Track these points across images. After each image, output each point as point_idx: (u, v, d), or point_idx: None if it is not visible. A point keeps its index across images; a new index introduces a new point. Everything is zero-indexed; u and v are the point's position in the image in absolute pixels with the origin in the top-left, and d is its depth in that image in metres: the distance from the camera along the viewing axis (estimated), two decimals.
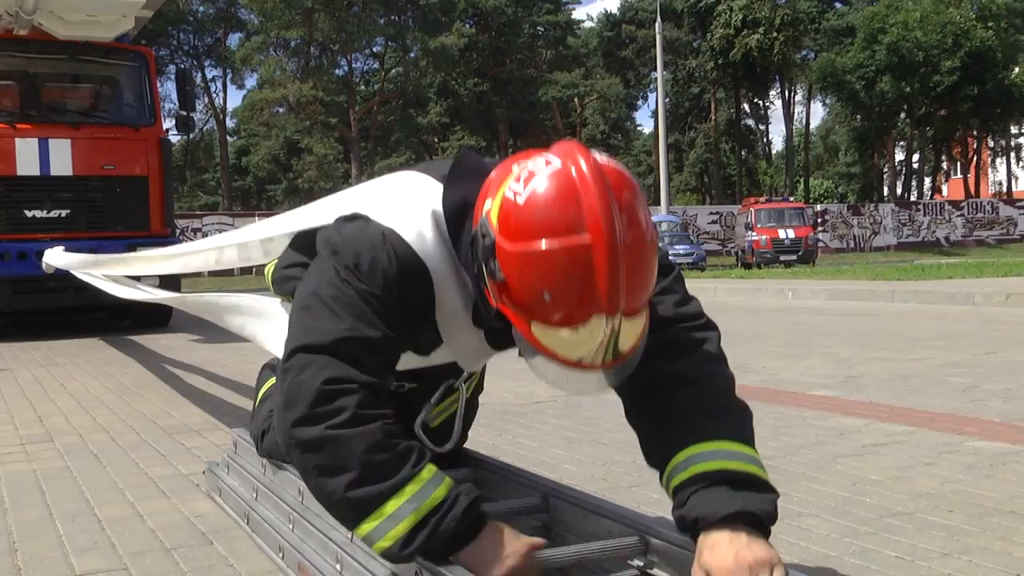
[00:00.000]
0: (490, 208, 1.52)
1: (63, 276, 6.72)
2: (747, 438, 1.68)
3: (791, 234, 32.15)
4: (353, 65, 51.99)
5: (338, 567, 1.91)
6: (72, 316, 11.25)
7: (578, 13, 62.04)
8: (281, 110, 49.30)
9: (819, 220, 43.39)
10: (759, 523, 1.57)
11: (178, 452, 3.76)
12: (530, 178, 1.46)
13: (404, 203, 1.76)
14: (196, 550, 2.47)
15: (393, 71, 52.70)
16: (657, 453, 1.71)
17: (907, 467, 3.10)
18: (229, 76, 54.97)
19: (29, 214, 9.50)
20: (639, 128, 72.92)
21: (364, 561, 1.80)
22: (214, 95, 55.32)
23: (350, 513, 1.59)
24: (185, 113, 11.40)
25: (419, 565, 1.59)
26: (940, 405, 4.24)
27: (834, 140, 74.48)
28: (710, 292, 14.30)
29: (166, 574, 2.29)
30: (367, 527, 1.56)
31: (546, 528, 2.07)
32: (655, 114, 43.70)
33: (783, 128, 58.65)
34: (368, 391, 1.59)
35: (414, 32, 48.07)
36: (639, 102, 66.16)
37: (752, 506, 1.56)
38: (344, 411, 1.55)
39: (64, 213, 9.63)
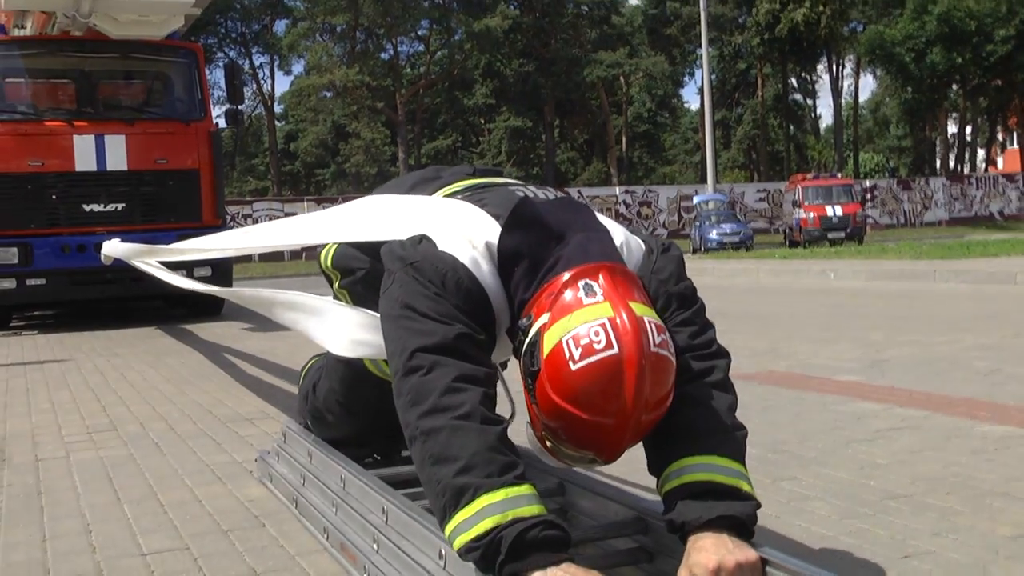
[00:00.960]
0: (543, 327, 1.73)
1: (120, 267, 7.02)
2: (738, 455, 1.88)
3: (839, 211, 31.89)
4: (399, 48, 52.29)
5: (375, 546, 2.13)
6: (129, 305, 11.65)
7: None
8: (328, 95, 49.74)
9: (868, 196, 43.00)
10: (742, 527, 1.76)
11: (232, 440, 4.03)
12: (589, 353, 1.65)
13: (463, 234, 1.95)
14: (249, 532, 2.71)
15: (439, 53, 52.89)
16: (656, 462, 1.91)
17: (915, 451, 3.27)
18: (276, 63, 55.60)
19: (87, 208, 9.88)
20: (686, 105, 72.50)
21: (397, 541, 2.02)
22: (262, 81, 55.97)
23: (451, 501, 1.69)
24: (234, 107, 11.72)
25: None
26: (959, 389, 4.38)
27: (884, 113, 73.43)
28: (752, 274, 14.41)
29: (223, 553, 2.53)
30: (459, 518, 1.67)
31: (562, 510, 2.28)
32: (701, 91, 43.60)
33: (832, 102, 57.70)
34: (487, 388, 1.80)
35: (458, 15, 48.20)
36: (685, 79, 65.48)
37: (734, 511, 1.76)
38: (466, 405, 1.74)
39: (120, 206, 10.00)
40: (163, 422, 4.53)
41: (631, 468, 3.06)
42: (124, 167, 9.97)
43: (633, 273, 1.86)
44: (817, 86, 65.32)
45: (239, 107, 11.75)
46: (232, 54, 53.74)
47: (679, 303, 1.99)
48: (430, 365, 1.78)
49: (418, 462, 1.78)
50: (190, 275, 6.99)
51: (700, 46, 38.01)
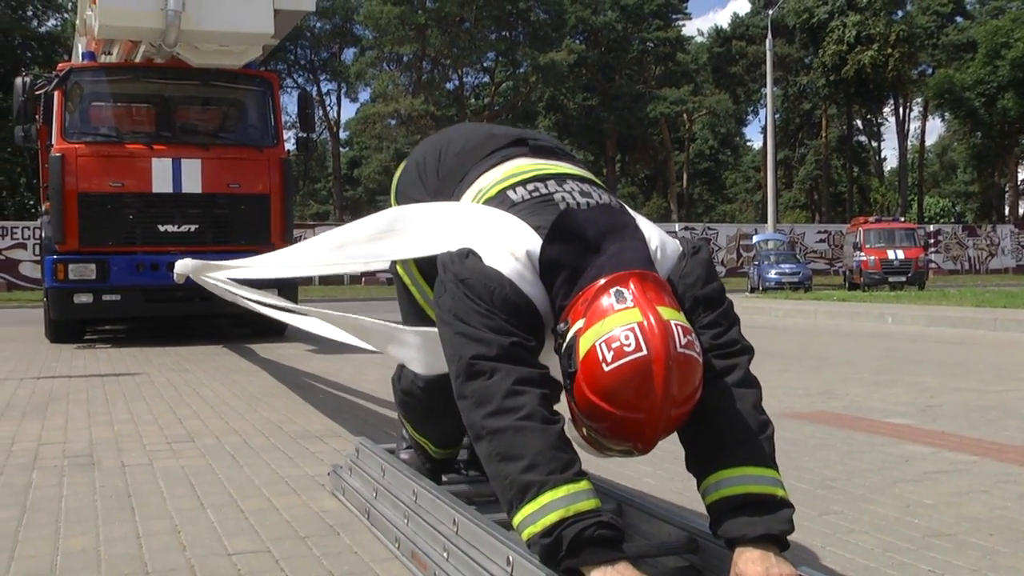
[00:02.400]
0: (579, 332, 1.91)
1: (191, 286, 7.30)
2: (767, 460, 2.05)
3: (900, 255, 31.55)
4: (464, 79, 52.99)
5: (445, 555, 2.31)
6: (196, 322, 12.00)
7: (688, 28, 62.02)
8: (393, 123, 50.50)
9: (932, 241, 42.50)
10: (781, 541, 1.95)
11: (303, 455, 4.24)
12: (620, 356, 1.83)
13: (507, 247, 2.12)
14: (325, 539, 2.91)
15: (504, 85, 53.49)
16: (694, 467, 2.10)
17: (961, 493, 3.37)
18: (343, 90, 56.68)
19: (162, 228, 10.25)
20: (749, 143, 72.32)
21: (466, 549, 2.20)
22: (328, 108, 57.00)
23: (517, 495, 1.87)
24: (306, 135, 12.08)
25: (554, 568, 1.83)
26: (1011, 437, 4.45)
27: (951, 158, 72.61)
28: (809, 315, 14.40)
29: (302, 557, 2.73)
30: (525, 511, 1.85)
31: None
32: (764, 131, 43.51)
33: (897, 145, 57.24)
34: (545, 387, 1.99)
35: (524, 48, 48.79)
36: (749, 117, 65.49)
37: (774, 528, 1.95)
38: (527, 407, 1.93)
39: (193, 228, 10.36)
40: (237, 436, 4.77)
41: (683, 486, 3.22)
42: (198, 190, 10.33)
43: (662, 279, 2.02)
44: (883, 128, 64.73)
45: (310, 135, 12.10)
46: (301, 80, 54.94)
47: (706, 306, 2.14)
48: (491, 370, 1.98)
49: (484, 458, 1.97)
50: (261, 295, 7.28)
51: (764, 85, 38.02)
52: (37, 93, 10.58)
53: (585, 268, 2.01)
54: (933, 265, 41.28)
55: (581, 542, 1.81)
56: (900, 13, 53.21)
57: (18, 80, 10.73)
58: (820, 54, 51.92)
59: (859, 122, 60.62)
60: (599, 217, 2.15)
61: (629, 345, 1.82)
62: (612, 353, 1.83)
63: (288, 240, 11.02)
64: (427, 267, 2.56)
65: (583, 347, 1.88)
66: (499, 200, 2.29)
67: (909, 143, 62.81)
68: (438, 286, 2.19)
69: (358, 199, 64.37)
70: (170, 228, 10.31)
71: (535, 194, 2.26)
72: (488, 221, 2.24)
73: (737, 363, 2.13)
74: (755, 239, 36.25)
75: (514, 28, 49.91)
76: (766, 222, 36.40)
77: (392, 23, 45.70)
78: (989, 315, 11.83)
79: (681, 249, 2.22)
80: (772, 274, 30.72)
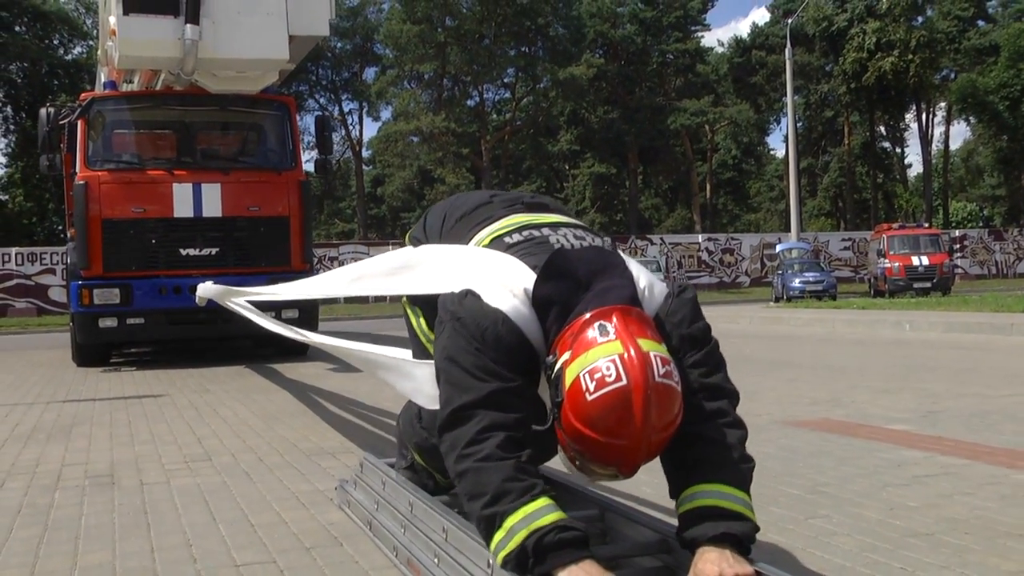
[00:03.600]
0: (565, 363, 2.03)
1: (213, 308, 7.46)
2: (743, 485, 2.20)
3: (925, 261, 31.44)
4: (485, 96, 53.31)
5: (435, 560, 2.45)
6: (220, 344, 12.21)
7: (708, 39, 62.00)
8: (415, 140, 50.86)
9: (958, 246, 42.27)
10: (741, 544, 2.08)
11: (315, 471, 4.38)
12: (601, 386, 1.95)
13: (505, 284, 2.27)
14: (329, 550, 3.05)
15: (524, 100, 53.76)
16: (674, 489, 2.24)
17: (946, 495, 3.47)
18: (365, 109, 57.11)
19: (183, 252, 10.46)
20: (772, 152, 72.13)
21: (454, 555, 2.34)
22: (351, 127, 57.51)
23: (486, 529, 2.08)
24: (323, 156, 12.28)
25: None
26: (1006, 441, 4.53)
27: (977, 162, 72.11)
28: (828, 324, 14.44)
29: (306, 567, 2.87)
30: (495, 539, 2.05)
31: (602, 533, 2.57)
32: (786, 139, 43.40)
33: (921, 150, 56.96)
34: (512, 431, 2.13)
35: (544, 63, 49.01)
36: (771, 126, 65.34)
37: (735, 530, 2.08)
38: (486, 448, 2.10)
39: (214, 251, 10.56)
40: (253, 454, 4.92)
41: (659, 493, 3.34)
42: (219, 214, 10.54)
43: (646, 314, 2.16)
44: (907, 134, 64.46)
45: (327, 157, 12.31)
46: (323, 100, 55.46)
47: (691, 344, 2.29)
48: (467, 418, 2.15)
49: (461, 499, 2.18)
50: (278, 316, 7.46)
51: (785, 94, 37.99)
52: (61, 123, 10.85)
53: (575, 304, 2.14)
54: (959, 270, 41.06)
55: (544, 548, 1.97)
56: (920, 19, 53.01)
57: (43, 111, 11.01)
58: (840, 62, 51.79)
59: (882, 128, 60.34)
60: (590, 257, 2.30)
61: (610, 375, 1.95)
62: (595, 383, 1.96)
63: (308, 260, 11.23)
64: (428, 309, 2.74)
65: (568, 377, 2.01)
66: (495, 245, 2.47)
67: (934, 148, 62.57)
68: (437, 325, 2.37)
69: (382, 217, 64.91)
70: (192, 252, 10.51)
71: (530, 238, 2.44)
72: (488, 261, 2.41)
73: (723, 407, 2.28)
74: (779, 248, 36.18)
75: (533, 44, 50.16)
76: (789, 231, 36.33)
77: (412, 42, 46.06)
78: (1007, 320, 11.84)
79: (668, 290, 2.36)
80: (796, 283, 30.67)
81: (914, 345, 10.54)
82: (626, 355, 1.96)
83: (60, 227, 43.22)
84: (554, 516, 2.03)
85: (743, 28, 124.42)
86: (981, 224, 64.77)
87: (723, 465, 2.19)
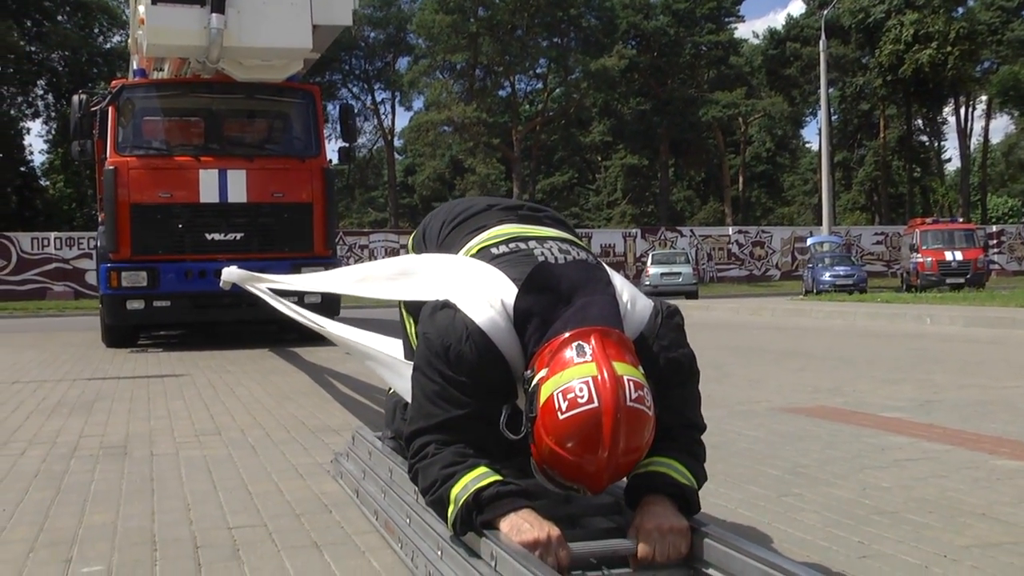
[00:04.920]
0: (541, 380, 2.11)
1: (237, 292, 7.65)
2: (695, 477, 2.33)
3: (959, 256, 31.18)
4: (516, 86, 53.40)
5: (408, 520, 2.60)
6: (244, 328, 12.44)
7: (743, 31, 61.71)
8: (447, 130, 51.07)
9: (995, 242, 41.87)
10: (684, 502, 2.23)
11: (317, 446, 4.55)
12: (573, 406, 2.02)
13: (484, 296, 2.35)
14: (318, 516, 3.21)
15: (556, 91, 53.78)
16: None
17: (921, 478, 3.57)
18: (397, 98, 57.39)
19: (209, 237, 10.69)
20: (807, 145, 71.65)
21: (423, 515, 2.48)
22: (383, 117, 57.80)
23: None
24: (347, 144, 12.47)
25: (473, 530, 2.19)
26: (995, 429, 4.61)
27: (1019, 156, 71.16)
28: (849, 317, 14.45)
29: (293, 530, 3.03)
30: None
31: (566, 499, 2.68)
32: (820, 134, 43.02)
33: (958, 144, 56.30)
34: (461, 446, 2.28)
35: (576, 54, 49.03)
36: (807, 119, 64.84)
37: (677, 488, 2.22)
38: (431, 455, 2.28)
39: (239, 236, 10.78)
40: (261, 430, 5.10)
41: None
42: (244, 200, 10.75)
43: (625, 336, 2.22)
44: (945, 128, 63.71)
45: (351, 145, 12.50)
46: (355, 90, 55.79)
47: (675, 369, 2.37)
48: (418, 439, 2.33)
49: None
50: (301, 301, 7.65)
51: (820, 87, 37.73)
52: (93, 109, 11.10)
53: (555, 319, 2.21)
54: (995, 266, 40.67)
55: (485, 501, 2.14)
56: (960, 10, 52.30)
57: (75, 97, 11.27)
58: (876, 54, 51.30)
59: (920, 121, 59.71)
60: (572, 272, 2.37)
61: (583, 397, 2.02)
62: (567, 403, 2.04)
63: (331, 246, 11.42)
64: (418, 316, 2.86)
65: (543, 394, 2.10)
66: (482, 256, 2.56)
67: (974, 141, 61.82)
68: (418, 335, 2.50)
69: (414, 206, 65.17)
70: (217, 236, 10.73)
71: (515, 251, 2.52)
72: (470, 272, 2.49)
73: (693, 437, 2.42)
74: (810, 241, 36.05)
75: (566, 35, 50.19)
76: (821, 224, 36.16)
77: (444, 32, 46.26)
78: None
79: (653, 305, 2.44)
80: (826, 277, 30.60)
81: (930, 338, 10.56)
82: (599, 377, 2.02)
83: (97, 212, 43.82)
84: (494, 476, 2.18)
85: (777, 20, 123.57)
86: (1022, 220, 63.97)
87: (679, 454, 2.32)
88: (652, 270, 32.12)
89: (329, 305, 10.41)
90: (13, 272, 31.65)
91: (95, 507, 3.40)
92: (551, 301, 2.25)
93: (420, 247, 3.06)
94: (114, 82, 11.41)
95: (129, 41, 13.46)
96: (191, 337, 12.98)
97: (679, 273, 31.74)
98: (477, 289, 2.38)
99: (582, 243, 2.68)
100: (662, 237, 39.93)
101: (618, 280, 2.45)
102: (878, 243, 42.74)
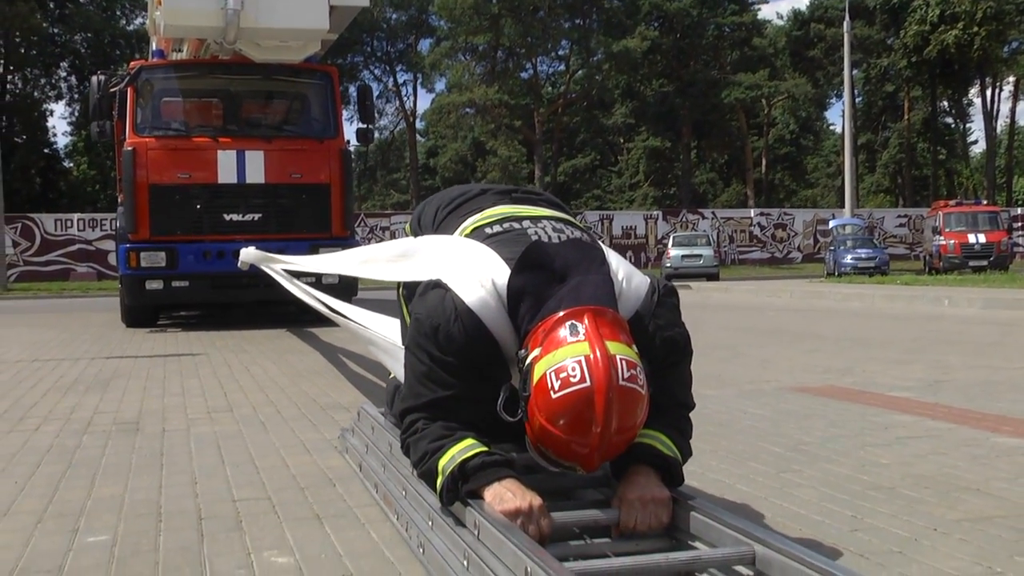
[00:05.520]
0: (535, 359, 2.11)
1: (255, 273, 7.69)
2: (680, 447, 2.38)
3: (982, 239, 30.96)
4: (538, 68, 53.26)
5: (403, 493, 2.65)
6: (263, 309, 12.53)
7: (766, 12, 61.16)
8: (469, 112, 51.02)
9: (1020, 224, 41.51)
10: (667, 474, 2.26)
11: (327, 423, 4.61)
12: (566, 386, 2.03)
13: (476, 276, 2.37)
14: (321, 489, 3.26)
15: (578, 73, 53.59)
16: None
17: (921, 455, 3.58)
18: (419, 80, 57.33)
19: (227, 217, 10.77)
20: (831, 127, 71.08)
21: (416, 487, 2.52)
22: (405, 99, 57.77)
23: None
24: (365, 126, 12.51)
25: (459, 499, 2.24)
26: (1001, 408, 4.61)
27: None
28: (868, 299, 14.40)
29: (296, 503, 3.09)
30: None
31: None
32: (843, 116, 42.54)
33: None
34: (450, 423, 2.33)
35: (598, 35, 48.81)
36: (832, 101, 64.25)
37: (660, 459, 2.26)
38: (420, 431, 2.34)
39: (257, 217, 10.85)
40: (273, 407, 5.17)
41: None
42: (262, 180, 10.82)
43: (619, 315, 2.22)
44: (971, 109, 63.01)
45: (369, 126, 12.54)
46: (377, 72, 55.78)
47: (671, 348, 2.40)
48: (408, 417, 2.40)
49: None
50: (319, 283, 7.70)
51: (844, 68, 37.40)
52: (112, 90, 11.19)
53: (548, 297, 2.19)
54: (1020, 249, 40.36)
55: (470, 470, 2.18)
56: None
57: (94, 78, 11.37)
58: (901, 35, 50.75)
59: (945, 103, 59.07)
60: (566, 251, 2.36)
61: (575, 376, 2.03)
62: (559, 382, 2.04)
63: (348, 227, 11.47)
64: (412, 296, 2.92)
65: (536, 374, 2.11)
66: (475, 235, 2.57)
67: (1000, 123, 61.09)
68: (410, 315, 2.55)
69: (436, 188, 65.16)
70: (235, 217, 10.81)
71: (509, 231, 2.53)
72: (462, 252, 2.51)
73: (682, 414, 2.48)
74: (831, 224, 35.88)
75: (588, 16, 49.97)
76: (843, 207, 35.96)
77: (466, 13, 46.10)
78: None
79: (649, 283, 2.44)
80: (848, 259, 30.45)
81: (947, 320, 10.52)
82: (592, 357, 2.02)
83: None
84: (480, 448, 2.22)
85: (803, 1, 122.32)
86: None
87: (665, 428, 2.35)
88: (673, 252, 32.10)
89: (347, 287, 10.46)
90: (37, 253, 31.99)
91: (104, 480, 3.46)
92: (545, 280, 2.24)
93: (416, 233, 3.09)
94: (132, 63, 11.48)
95: (148, 22, 13.55)
96: (210, 318, 13.10)
97: (700, 255, 31.70)
98: (468, 269, 2.39)
99: (578, 223, 2.70)
100: (683, 219, 39.83)
101: (613, 259, 2.46)
102: (901, 226, 42.50)
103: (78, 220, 32.88)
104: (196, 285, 10.77)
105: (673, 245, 32.74)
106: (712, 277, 30.32)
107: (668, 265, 31.54)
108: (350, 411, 4.90)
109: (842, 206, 36.95)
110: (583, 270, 2.27)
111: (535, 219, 2.58)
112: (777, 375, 6.07)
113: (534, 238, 2.44)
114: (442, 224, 2.85)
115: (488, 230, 2.56)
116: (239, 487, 3.32)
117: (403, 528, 2.57)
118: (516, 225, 2.54)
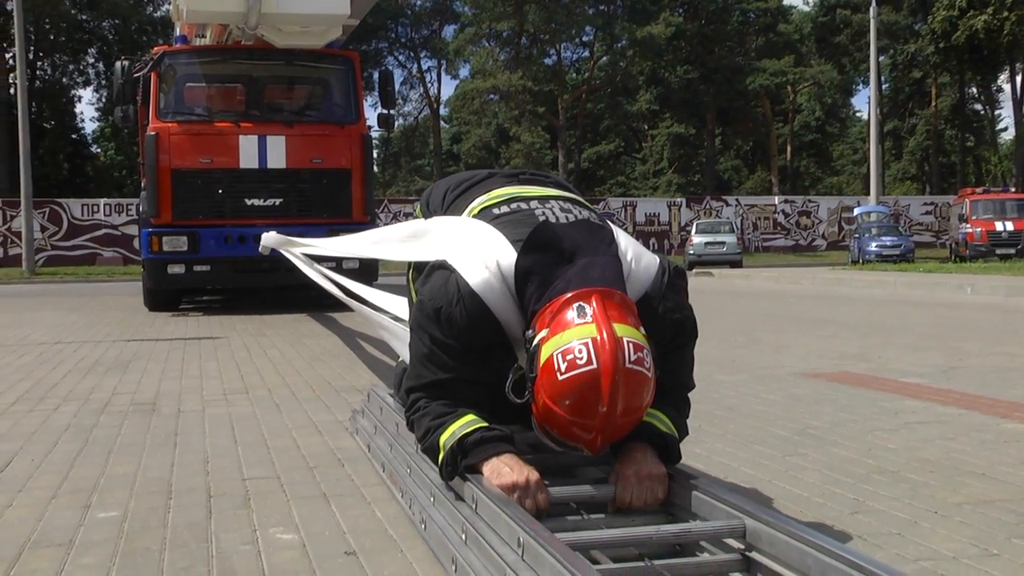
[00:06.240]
0: (542, 340, 2.13)
1: (276, 258, 7.71)
2: (678, 425, 2.42)
3: (1009, 227, 30.60)
4: (562, 54, 53.10)
5: (408, 470, 2.69)
6: (284, 294, 12.61)
7: None
8: (494, 97, 50.95)
9: None
10: (664, 451, 2.29)
11: (340, 405, 4.65)
12: (572, 367, 2.04)
13: (481, 258, 2.38)
14: (330, 469, 3.31)
15: (602, 59, 53.37)
16: None
17: (928, 440, 3.58)
18: (443, 66, 57.28)
19: (248, 202, 10.84)
20: (857, 114, 70.48)
21: (420, 465, 2.56)
22: (429, 85, 57.78)
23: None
24: (386, 111, 12.55)
25: (459, 474, 2.29)
26: (1014, 395, 4.60)
27: None
28: (889, 286, 14.32)
29: (305, 481, 3.14)
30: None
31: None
32: (869, 102, 42.08)
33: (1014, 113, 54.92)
34: (451, 403, 2.39)
35: (622, 21, 48.60)
36: (859, 87, 63.64)
37: (658, 436, 2.28)
38: (422, 408, 2.41)
39: (278, 201, 10.92)
40: (288, 389, 5.22)
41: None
42: (283, 165, 10.87)
43: (627, 297, 2.22)
44: (1001, 95, 62.27)
45: (390, 111, 12.57)
46: (401, 58, 55.78)
47: (678, 330, 2.41)
48: (412, 394, 2.46)
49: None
50: (339, 267, 7.74)
51: (871, 54, 37.05)
52: (135, 76, 11.28)
53: (556, 277, 2.20)
54: None
55: (469, 445, 2.23)
56: None
57: (117, 64, 11.46)
58: (929, 20, 50.17)
59: (974, 89, 58.38)
60: (575, 231, 2.36)
61: (582, 358, 2.04)
62: (566, 364, 2.05)
63: (369, 212, 11.51)
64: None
65: (544, 355, 2.12)
66: (483, 216, 2.58)
67: None
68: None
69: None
70: (256, 202, 10.88)
71: (516, 211, 2.54)
72: (469, 233, 2.52)
73: (683, 395, 2.52)
74: (856, 211, 35.64)
75: (612, 2, 49.81)
76: (868, 194, 35.71)
77: None
78: None
79: (659, 263, 2.44)
80: (873, 247, 30.25)
81: (968, 308, 10.45)
82: (599, 339, 2.03)
83: None
84: (480, 424, 2.26)
85: None
86: None
87: (664, 407, 2.36)
88: (696, 239, 32.00)
89: (367, 271, 10.51)
90: (64, 238, 32.34)
91: (118, 459, 3.52)
92: (552, 260, 2.25)
93: (426, 215, 3.11)
94: (156, 48, 11.56)
95: (172, 8, 13.62)
96: (231, 302, 13.20)
97: (723, 242, 31.60)
98: (474, 250, 2.40)
99: (587, 203, 2.71)
100: (707, 206, 39.67)
101: (623, 239, 2.46)
102: (927, 213, 42.15)
103: (104, 205, 33.20)
104: (217, 269, 10.86)
105: (696, 232, 32.62)
106: (735, 264, 30.21)
107: (691, 252, 31.44)
108: (364, 394, 4.95)
109: (868, 193, 36.71)
110: (591, 251, 2.28)
111: (543, 199, 2.58)
112: (792, 360, 6.07)
113: (541, 219, 2.44)
114: (451, 207, 2.87)
115: (496, 211, 2.57)
116: (249, 466, 3.37)
117: (407, 505, 2.61)
118: (524, 206, 2.54)
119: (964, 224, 31.62)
